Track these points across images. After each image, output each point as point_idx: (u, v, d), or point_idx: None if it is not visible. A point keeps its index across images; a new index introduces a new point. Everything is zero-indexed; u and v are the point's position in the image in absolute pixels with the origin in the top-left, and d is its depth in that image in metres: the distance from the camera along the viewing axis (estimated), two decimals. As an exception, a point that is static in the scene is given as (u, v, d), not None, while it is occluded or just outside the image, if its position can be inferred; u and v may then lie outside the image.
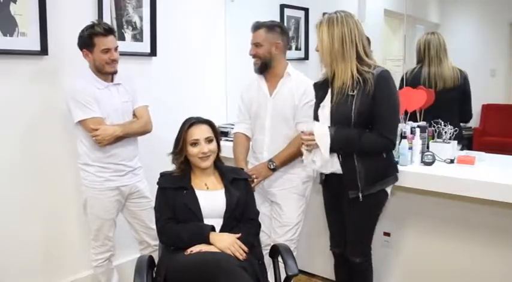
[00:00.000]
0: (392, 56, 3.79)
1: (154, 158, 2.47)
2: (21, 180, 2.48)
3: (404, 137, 2.38)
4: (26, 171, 2.49)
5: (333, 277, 2.46)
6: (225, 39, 3.47)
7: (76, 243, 2.71)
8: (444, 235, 2.48)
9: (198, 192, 2.03)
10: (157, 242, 2.24)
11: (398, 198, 2.43)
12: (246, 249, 1.92)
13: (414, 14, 3.75)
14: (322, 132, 2.01)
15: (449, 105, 2.87)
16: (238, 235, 1.95)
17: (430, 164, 2.37)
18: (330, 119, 2.06)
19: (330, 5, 2.41)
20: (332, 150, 2.02)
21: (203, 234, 1.93)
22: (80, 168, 2.36)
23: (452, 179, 2.18)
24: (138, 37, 2.89)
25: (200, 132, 2.05)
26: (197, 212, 1.99)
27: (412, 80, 2.97)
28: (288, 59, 2.46)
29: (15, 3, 2.33)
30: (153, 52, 2.97)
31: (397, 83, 3.06)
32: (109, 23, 2.60)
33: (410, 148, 2.39)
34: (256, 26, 2.39)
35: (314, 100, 2.21)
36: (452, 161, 2.41)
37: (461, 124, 2.96)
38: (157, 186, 2.10)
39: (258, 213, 2.15)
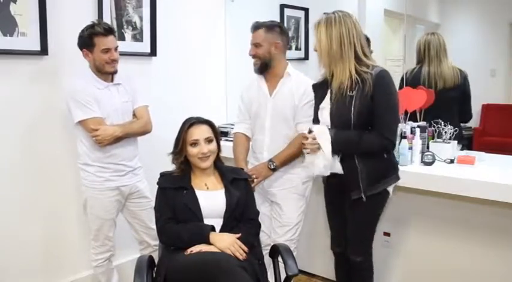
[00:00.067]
0: (392, 56, 3.79)
1: (154, 158, 2.47)
2: (21, 180, 2.48)
3: (404, 137, 2.38)
4: (26, 171, 2.49)
5: (333, 277, 2.46)
6: (225, 39, 3.47)
7: (76, 243, 2.71)
8: (444, 235, 2.48)
9: (198, 192, 2.03)
10: (157, 242, 2.24)
11: (399, 198, 2.43)
12: (246, 249, 1.92)
13: (414, 14, 3.76)
14: (323, 134, 2.01)
15: (449, 105, 2.87)
16: (238, 235, 1.95)
17: (430, 164, 2.37)
18: (329, 120, 2.06)
19: (330, 5, 2.40)
20: (333, 151, 2.01)
21: (203, 234, 1.93)
22: (80, 168, 2.36)
23: (452, 179, 2.18)
24: (138, 37, 2.89)
25: (200, 133, 2.05)
26: (197, 212, 1.99)
27: (412, 80, 2.97)
28: (288, 59, 2.46)
29: (15, 3, 2.33)
30: (153, 52, 2.97)
31: (397, 83, 3.06)
32: (109, 23, 2.60)
33: (410, 148, 2.39)
34: (256, 26, 2.39)
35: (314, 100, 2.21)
36: (452, 161, 2.41)
37: (461, 124, 2.97)
38: (157, 186, 2.09)
39: (258, 213, 2.15)
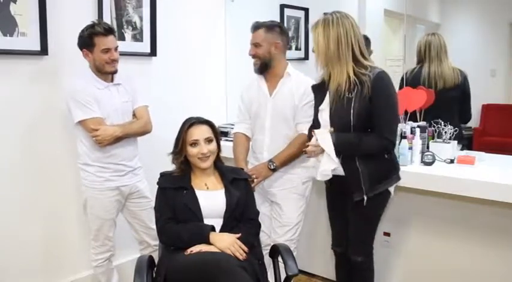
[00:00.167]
0: (392, 56, 3.79)
1: (154, 158, 2.47)
2: (21, 180, 2.48)
3: (404, 137, 2.38)
4: (26, 171, 2.49)
5: (333, 277, 2.46)
6: (225, 39, 3.47)
7: (76, 243, 2.71)
8: (444, 235, 2.48)
9: (198, 192, 2.03)
10: (157, 242, 2.24)
11: (399, 198, 2.43)
12: (246, 249, 1.92)
13: (414, 14, 3.76)
14: (326, 138, 2.00)
15: (449, 105, 2.87)
16: (238, 235, 1.95)
17: (430, 164, 2.37)
18: (329, 122, 2.06)
19: (330, 5, 2.40)
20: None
21: (203, 234, 1.93)
22: (80, 168, 2.36)
23: (452, 179, 2.18)
24: (138, 37, 2.89)
25: (200, 133, 2.05)
26: (197, 212, 1.99)
27: (412, 80, 2.97)
28: (288, 59, 2.46)
29: (15, 3, 2.33)
30: (153, 52, 2.97)
31: (397, 83, 3.06)
32: (109, 23, 2.60)
33: (410, 148, 2.39)
34: (256, 26, 2.39)
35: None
36: (452, 161, 2.41)
37: (461, 124, 2.97)
38: (157, 186, 2.09)
39: (258, 213, 2.15)
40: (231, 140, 2.65)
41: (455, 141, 2.57)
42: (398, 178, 2.14)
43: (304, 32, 4.02)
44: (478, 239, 2.39)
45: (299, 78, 2.39)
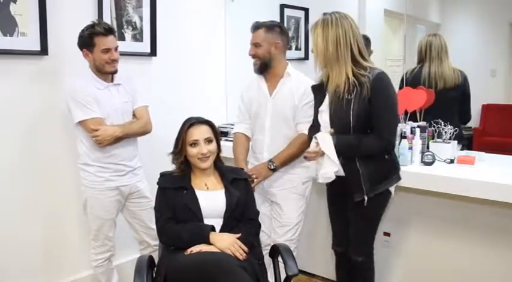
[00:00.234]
0: (392, 56, 3.79)
1: (154, 158, 2.47)
2: (21, 180, 2.48)
3: (404, 137, 2.38)
4: (26, 171, 2.49)
5: (333, 277, 2.46)
6: (225, 39, 3.47)
7: (76, 243, 2.71)
8: (444, 235, 2.48)
9: (198, 192, 2.03)
10: (157, 242, 2.24)
11: (399, 198, 2.43)
12: (246, 249, 1.92)
13: (414, 14, 3.76)
14: (327, 141, 2.00)
15: (449, 105, 2.87)
16: (238, 235, 1.95)
17: (430, 164, 2.37)
18: (329, 123, 2.06)
19: (330, 5, 2.40)
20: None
21: (203, 234, 1.93)
22: (80, 168, 2.36)
23: (452, 179, 2.18)
24: (138, 37, 2.89)
25: (200, 133, 2.05)
26: (197, 212, 1.99)
27: (413, 80, 2.97)
28: (288, 59, 2.46)
29: (15, 3, 2.33)
30: (153, 52, 2.97)
31: (397, 83, 3.07)
32: (109, 23, 2.60)
33: (410, 148, 2.39)
34: (256, 26, 2.39)
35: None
36: (452, 161, 2.41)
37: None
38: (157, 186, 2.09)
39: (258, 213, 2.15)
40: (231, 140, 2.65)
41: (455, 141, 2.57)
42: (399, 178, 2.14)
43: (304, 32, 4.03)
44: (478, 239, 2.39)
45: (299, 78, 2.39)
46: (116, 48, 2.31)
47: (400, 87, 2.97)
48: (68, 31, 2.42)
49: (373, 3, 3.99)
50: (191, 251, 1.89)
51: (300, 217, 2.45)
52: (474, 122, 3.55)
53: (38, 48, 2.43)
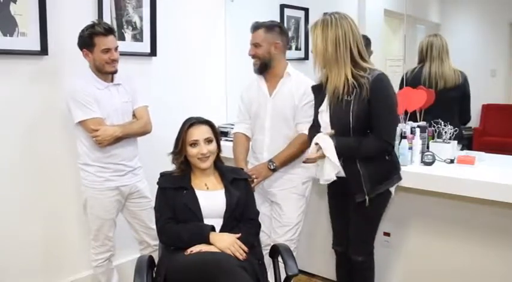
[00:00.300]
0: (392, 56, 3.79)
1: (154, 158, 2.47)
2: (21, 180, 2.48)
3: (404, 137, 2.38)
4: (26, 171, 2.49)
5: (333, 277, 2.47)
6: (225, 39, 3.47)
7: (76, 243, 2.71)
8: (444, 235, 2.48)
9: (198, 192, 2.03)
10: (157, 242, 2.24)
11: (399, 198, 2.43)
12: (246, 249, 1.92)
13: (414, 14, 3.76)
14: (327, 143, 2.00)
15: (449, 105, 2.87)
16: (238, 235, 1.95)
17: (430, 164, 2.37)
18: (329, 124, 2.06)
19: (330, 5, 2.41)
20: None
21: (203, 234, 1.93)
22: (80, 168, 2.36)
23: (452, 179, 2.18)
24: (138, 37, 2.89)
25: (199, 133, 2.05)
26: (197, 212, 1.99)
27: (413, 80, 2.97)
28: (288, 59, 2.46)
29: (15, 3, 2.33)
30: (153, 52, 2.97)
31: (398, 83, 3.07)
32: (109, 23, 2.60)
33: (410, 148, 2.39)
34: (256, 26, 2.39)
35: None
36: (452, 161, 2.41)
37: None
38: (157, 186, 2.09)
39: (258, 213, 2.15)
40: (231, 140, 2.65)
41: (455, 141, 2.57)
42: (399, 178, 2.14)
43: (304, 32, 4.02)
44: (478, 239, 2.39)
45: (299, 78, 2.39)
46: (116, 48, 2.31)
47: (400, 87, 2.97)
48: (68, 31, 2.42)
49: (373, 3, 3.99)
50: (191, 251, 1.89)
51: (300, 217, 2.45)
52: (474, 122, 3.55)
53: (38, 48, 2.43)
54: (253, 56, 2.39)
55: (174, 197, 2.02)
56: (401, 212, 2.59)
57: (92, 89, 2.28)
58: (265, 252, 2.23)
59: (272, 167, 2.35)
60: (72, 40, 2.29)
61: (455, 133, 2.54)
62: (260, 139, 2.45)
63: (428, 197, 2.45)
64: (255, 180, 2.31)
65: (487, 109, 3.82)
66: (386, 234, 2.66)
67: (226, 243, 1.90)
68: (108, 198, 2.36)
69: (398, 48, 3.82)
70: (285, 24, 3.76)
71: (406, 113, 2.66)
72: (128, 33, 2.84)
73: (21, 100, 2.44)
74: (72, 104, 2.25)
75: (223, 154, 2.20)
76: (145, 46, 2.93)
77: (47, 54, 2.46)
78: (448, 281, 2.50)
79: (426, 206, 2.52)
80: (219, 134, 2.15)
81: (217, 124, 2.19)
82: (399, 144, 2.35)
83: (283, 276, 1.97)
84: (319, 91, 2.15)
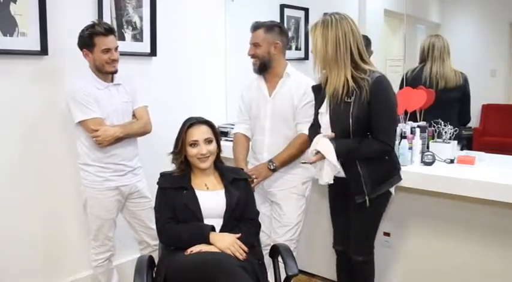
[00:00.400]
0: (392, 56, 3.79)
1: (154, 158, 2.47)
2: (21, 180, 2.48)
3: (404, 137, 2.38)
4: (26, 171, 2.49)
5: (333, 277, 2.47)
6: (225, 39, 3.47)
7: (76, 243, 2.71)
8: (444, 235, 2.48)
9: (198, 193, 2.03)
10: (157, 242, 2.24)
11: (399, 198, 2.43)
12: (246, 249, 1.92)
13: (414, 14, 3.75)
14: (326, 146, 2.00)
15: (449, 105, 2.87)
16: (238, 235, 1.95)
17: (430, 164, 2.37)
18: (329, 126, 2.06)
19: (330, 5, 2.40)
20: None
21: (203, 234, 1.93)
22: (80, 168, 2.36)
23: (452, 179, 2.18)
24: (138, 37, 2.89)
25: (199, 133, 2.05)
26: (197, 212, 1.99)
27: (413, 79, 2.97)
28: (287, 59, 2.46)
29: (15, 3, 2.33)
30: (153, 52, 2.97)
31: (398, 83, 3.07)
32: (109, 23, 2.60)
33: (410, 148, 2.39)
34: (255, 26, 2.39)
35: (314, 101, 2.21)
36: (452, 161, 2.41)
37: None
38: (157, 186, 2.09)
39: (258, 213, 2.15)
40: (231, 140, 2.65)
41: (455, 141, 2.57)
42: (400, 178, 2.14)
43: (304, 32, 4.02)
44: (478, 239, 2.38)
45: (299, 79, 2.39)
46: (116, 48, 2.31)
47: (401, 87, 2.97)
48: (68, 31, 2.42)
49: (373, 3, 3.99)
50: (191, 251, 1.89)
51: (300, 217, 2.44)
52: (474, 122, 3.55)
53: (38, 48, 2.43)
54: (253, 56, 2.39)
55: (174, 197, 2.02)
56: (401, 212, 2.59)
57: (92, 89, 2.28)
58: (265, 252, 2.23)
59: (272, 167, 2.34)
60: (72, 40, 2.29)
61: (455, 133, 2.54)
62: (260, 139, 2.45)
63: (428, 197, 2.45)
64: (255, 180, 2.31)
65: (487, 109, 3.82)
66: (386, 234, 2.66)
67: (226, 243, 1.90)
68: (108, 198, 2.36)
69: (398, 48, 3.82)
70: (285, 24, 3.76)
71: (406, 113, 2.66)
72: (128, 33, 2.84)
73: (21, 100, 2.44)
74: (72, 104, 2.25)
75: (223, 154, 2.20)
76: (145, 46, 2.93)
77: (47, 54, 2.46)
78: (448, 280, 2.50)
79: (426, 206, 2.52)
80: (219, 134, 2.16)
81: (217, 124, 2.19)
82: (399, 144, 2.34)
83: (283, 276, 1.97)
84: (319, 91, 2.15)
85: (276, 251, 2.06)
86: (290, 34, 3.80)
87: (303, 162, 2.11)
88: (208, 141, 2.05)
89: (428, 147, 2.51)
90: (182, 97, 3.17)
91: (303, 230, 2.49)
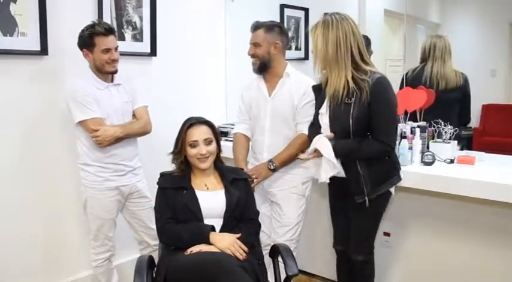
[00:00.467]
0: (392, 56, 3.79)
1: (154, 158, 2.47)
2: (21, 180, 2.48)
3: (404, 137, 2.38)
4: (26, 171, 2.49)
5: (333, 277, 2.47)
6: (225, 39, 3.47)
7: (76, 243, 2.71)
8: (444, 235, 2.48)
9: (198, 193, 2.03)
10: (156, 242, 2.24)
11: (399, 198, 2.43)
12: (246, 249, 1.92)
13: (414, 14, 3.75)
14: (325, 145, 2.00)
15: (449, 105, 2.87)
16: (238, 235, 1.95)
17: (430, 164, 2.37)
18: (329, 126, 2.06)
19: (330, 5, 2.40)
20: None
21: (203, 234, 1.93)
22: (80, 168, 2.36)
23: (452, 179, 2.18)
24: (138, 37, 2.89)
25: (199, 134, 2.05)
26: (197, 212, 1.99)
27: (414, 79, 2.97)
28: (287, 59, 2.46)
29: (15, 3, 2.33)
30: (153, 52, 2.97)
31: (398, 83, 3.06)
32: (109, 23, 2.60)
33: (410, 148, 2.39)
34: (256, 26, 2.39)
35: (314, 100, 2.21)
36: (452, 161, 2.41)
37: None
38: (157, 186, 2.09)
39: (258, 213, 2.15)
40: (231, 140, 2.65)
41: (455, 141, 2.57)
42: (400, 178, 2.14)
43: (304, 32, 4.02)
44: (478, 239, 2.39)
45: (299, 78, 2.39)
46: (116, 48, 2.31)
47: (401, 87, 2.97)
48: (68, 31, 2.42)
49: (373, 3, 3.99)
50: (191, 251, 1.89)
51: (300, 217, 2.44)
52: (474, 122, 3.55)
53: (38, 48, 2.43)
54: (253, 56, 2.39)
55: (174, 197, 2.02)
56: (401, 212, 2.59)
57: (91, 89, 2.28)
58: (265, 252, 2.23)
59: (272, 167, 2.34)
60: (72, 40, 2.29)
61: (455, 133, 2.54)
62: (260, 139, 2.45)
63: (428, 197, 2.45)
64: (255, 180, 2.31)
65: (487, 109, 3.81)
66: (386, 234, 2.66)
67: (226, 243, 1.90)
68: (108, 198, 2.36)
69: (399, 48, 3.82)
70: (285, 24, 3.76)
71: (406, 113, 2.66)
72: (128, 33, 2.84)
73: (21, 100, 2.44)
74: (72, 104, 2.25)
75: (223, 154, 2.20)
76: (145, 46, 2.93)
77: (47, 54, 2.46)
78: (448, 280, 2.50)
79: (426, 206, 2.52)
80: (219, 134, 2.16)
81: (217, 124, 2.19)
82: (399, 144, 2.34)
83: (283, 276, 1.97)
84: (319, 91, 2.15)
85: (276, 251, 2.06)
86: (290, 34, 3.80)
87: (299, 158, 2.11)
88: (208, 141, 2.05)
89: (428, 147, 2.51)
90: (182, 97, 3.17)
91: (303, 230, 2.49)
